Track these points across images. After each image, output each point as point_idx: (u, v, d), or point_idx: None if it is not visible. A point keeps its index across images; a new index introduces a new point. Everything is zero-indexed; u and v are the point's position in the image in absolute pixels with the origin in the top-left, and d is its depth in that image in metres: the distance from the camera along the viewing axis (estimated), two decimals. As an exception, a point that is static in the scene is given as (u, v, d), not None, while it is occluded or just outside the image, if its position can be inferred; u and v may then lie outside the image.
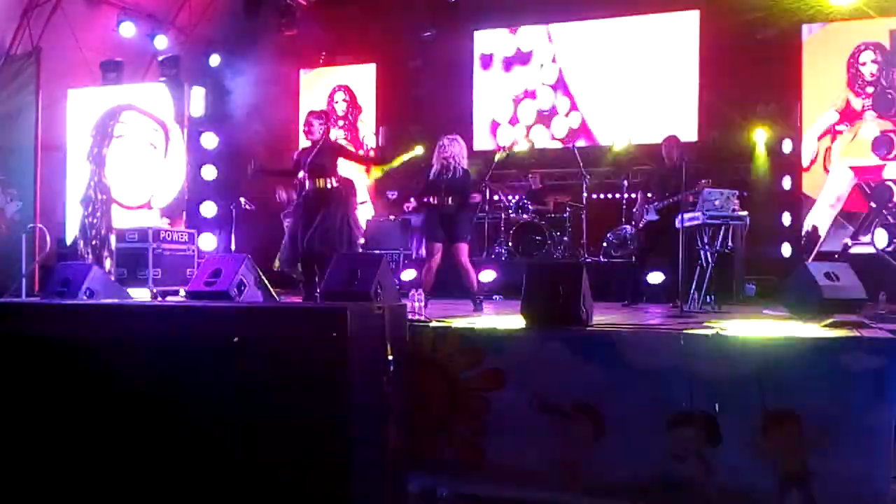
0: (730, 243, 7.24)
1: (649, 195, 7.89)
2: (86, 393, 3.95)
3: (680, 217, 6.86)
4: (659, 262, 8.10)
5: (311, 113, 7.30)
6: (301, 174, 7.01)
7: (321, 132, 7.02)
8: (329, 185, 6.87)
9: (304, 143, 12.19)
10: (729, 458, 4.02)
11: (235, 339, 3.68)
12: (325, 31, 11.84)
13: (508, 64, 12.12)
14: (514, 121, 12.01)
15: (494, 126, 12.15)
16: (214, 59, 11.75)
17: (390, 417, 3.77)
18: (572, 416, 4.30)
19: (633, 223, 8.65)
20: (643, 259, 8.02)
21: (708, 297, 6.93)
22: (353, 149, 10.72)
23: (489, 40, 12.27)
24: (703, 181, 7.32)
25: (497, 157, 11.23)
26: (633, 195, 9.19)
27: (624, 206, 10.16)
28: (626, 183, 10.25)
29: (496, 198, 11.06)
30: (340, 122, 12.31)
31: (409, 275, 9.85)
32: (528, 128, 11.91)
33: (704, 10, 10.90)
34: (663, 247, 7.63)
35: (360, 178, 11.19)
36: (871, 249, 8.74)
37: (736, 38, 10.47)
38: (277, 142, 12.25)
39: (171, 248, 9.44)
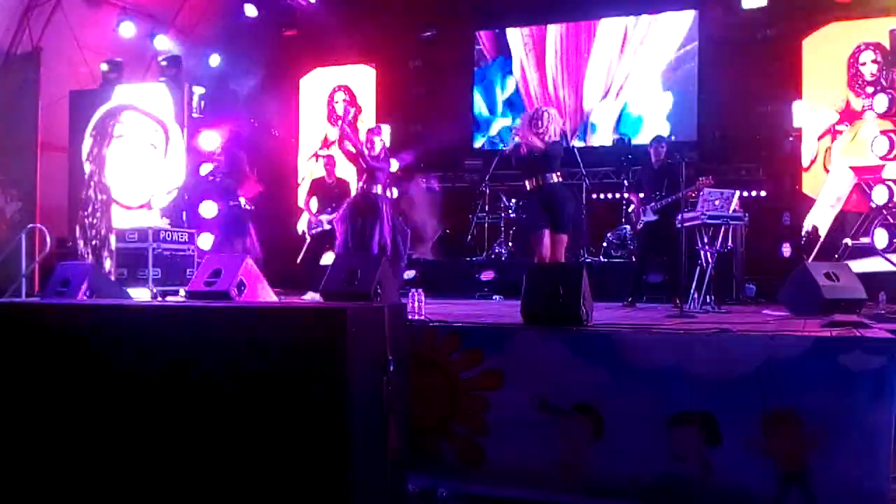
0: (730, 243, 7.25)
1: (642, 195, 7.91)
2: (85, 393, 3.95)
3: (680, 217, 6.86)
4: (659, 262, 8.11)
5: (370, 131, 8.09)
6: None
7: (381, 145, 7.87)
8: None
9: (304, 144, 12.32)
10: (729, 458, 4.02)
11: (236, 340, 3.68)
12: (325, 31, 11.85)
13: (508, 64, 12.12)
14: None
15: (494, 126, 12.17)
16: (214, 59, 11.75)
17: (390, 417, 3.77)
18: (572, 416, 4.30)
19: (631, 225, 8.65)
20: (643, 259, 8.02)
21: (708, 297, 6.93)
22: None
23: (489, 40, 12.27)
24: (702, 178, 7.34)
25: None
26: (629, 196, 9.19)
27: (624, 206, 10.17)
28: (626, 183, 10.26)
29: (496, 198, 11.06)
30: (340, 122, 12.31)
31: (409, 275, 9.85)
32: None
33: (703, 10, 10.92)
34: (663, 247, 7.64)
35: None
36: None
37: (736, 37, 10.49)
38: (277, 141, 12.29)
39: (171, 248, 9.44)
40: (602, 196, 11.09)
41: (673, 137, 10.62)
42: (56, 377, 4.01)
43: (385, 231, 7.41)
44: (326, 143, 12.08)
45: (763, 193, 10.24)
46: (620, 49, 11.46)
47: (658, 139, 8.00)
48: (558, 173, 6.57)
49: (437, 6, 11.81)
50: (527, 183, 6.58)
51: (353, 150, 7.62)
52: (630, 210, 8.47)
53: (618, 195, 10.61)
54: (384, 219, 7.48)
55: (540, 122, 6.50)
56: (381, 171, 7.66)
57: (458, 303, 7.75)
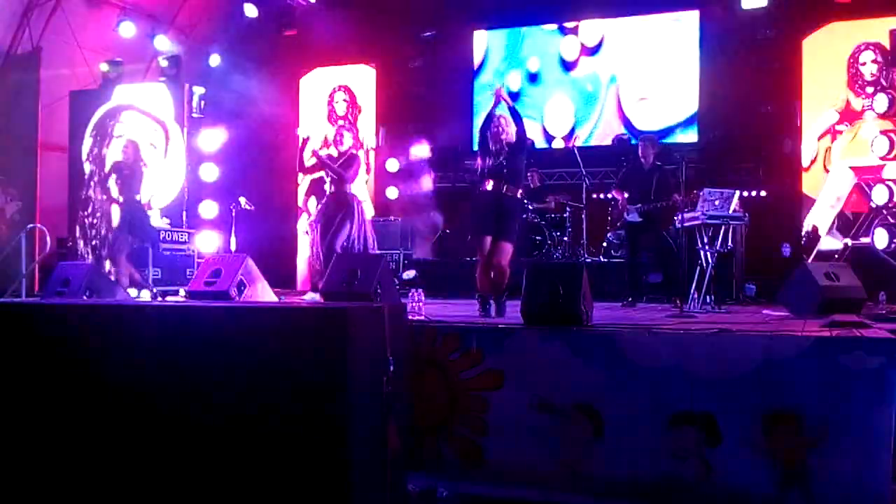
0: (730, 243, 7.24)
1: (627, 195, 7.87)
2: (85, 393, 3.95)
3: (680, 217, 6.86)
4: (657, 262, 8.10)
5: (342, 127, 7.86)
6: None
7: (351, 143, 7.91)
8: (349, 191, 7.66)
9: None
10: (729, 458, 4.02)
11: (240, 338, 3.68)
12: (325, 31, 11.85)
13: (508, 64, 12.12)
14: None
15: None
16: (214, 59, 11.75)
17: (390, 417, 3.77)
18: (572, 416, 4.29)
19: (611, 222, 8.63)
20: (633, 259, 7.98)
21: (708, 297, 6.93)
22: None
23: (489, 40, 12.27)
24: (696, 192, 7.33)
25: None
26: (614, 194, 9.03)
27: (611, 206, 10.15)
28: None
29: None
30: (340, 122, 12.31)
31: (409, 275, 9.86)
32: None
33: (704, 10, 10.92)
34: (646, 247, 7.65)
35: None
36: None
37: (736, 37, 10.49)
38: (278, 142, 12.27)
39: (171, 248, 9.44)
40: (602, 196, 11.08)
41: (672, 137, 10.66)
42: (56, 377, 4.01)
43: (356, 229, 7.47)
44: (326, 143, 12.07)
45: (763, 193, 10.23)
46: (621, 49, 11.44)
47: (649, 138, 7.99)
48: (516, 183, 6.21)
49: (437, 6, 11.81)
50: (487, 183, 6.16)
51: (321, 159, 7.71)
52: (610, 208, 8.45)
53: (617, 195, 10.58)
54: (356, 217, 7.51)
55: (501, 129, 6.12)
56: (348, 172, 7.67)
57: (458, 303, 7.74)
